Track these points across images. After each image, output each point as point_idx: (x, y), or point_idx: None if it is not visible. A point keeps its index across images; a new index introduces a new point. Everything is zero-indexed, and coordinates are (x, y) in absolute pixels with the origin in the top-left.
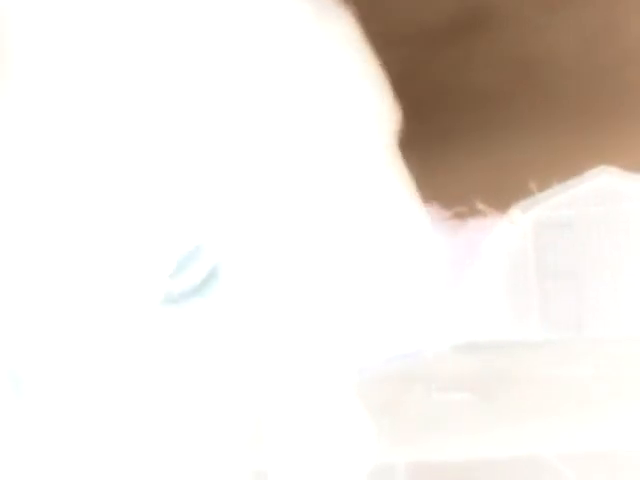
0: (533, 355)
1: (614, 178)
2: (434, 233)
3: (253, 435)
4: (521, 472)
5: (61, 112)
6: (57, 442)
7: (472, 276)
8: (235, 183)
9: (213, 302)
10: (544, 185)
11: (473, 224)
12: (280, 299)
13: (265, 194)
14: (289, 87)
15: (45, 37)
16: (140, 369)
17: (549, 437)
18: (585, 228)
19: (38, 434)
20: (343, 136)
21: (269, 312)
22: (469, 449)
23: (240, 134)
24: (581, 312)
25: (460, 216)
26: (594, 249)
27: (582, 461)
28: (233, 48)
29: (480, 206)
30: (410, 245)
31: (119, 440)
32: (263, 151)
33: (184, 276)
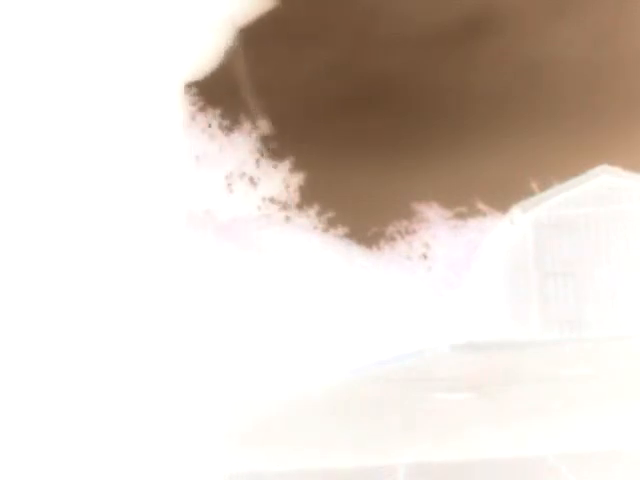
0: (533, 355)
1: (614, 178)
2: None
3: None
4: (521, 472)
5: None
6: None
7: (472, 276)
8: None
9: None
10: (544, 185)
11: (473, 224)
12: None
13: None
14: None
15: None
16: None
17: (549, 437)
18: (585, 228)
19: None
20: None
21: None
22: (469, 449)
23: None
24: (581, 312)
25: (461, 216)
26: (594, 249)
27: (582, 461)
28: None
29: (480, 206)
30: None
31: None
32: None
33: None
